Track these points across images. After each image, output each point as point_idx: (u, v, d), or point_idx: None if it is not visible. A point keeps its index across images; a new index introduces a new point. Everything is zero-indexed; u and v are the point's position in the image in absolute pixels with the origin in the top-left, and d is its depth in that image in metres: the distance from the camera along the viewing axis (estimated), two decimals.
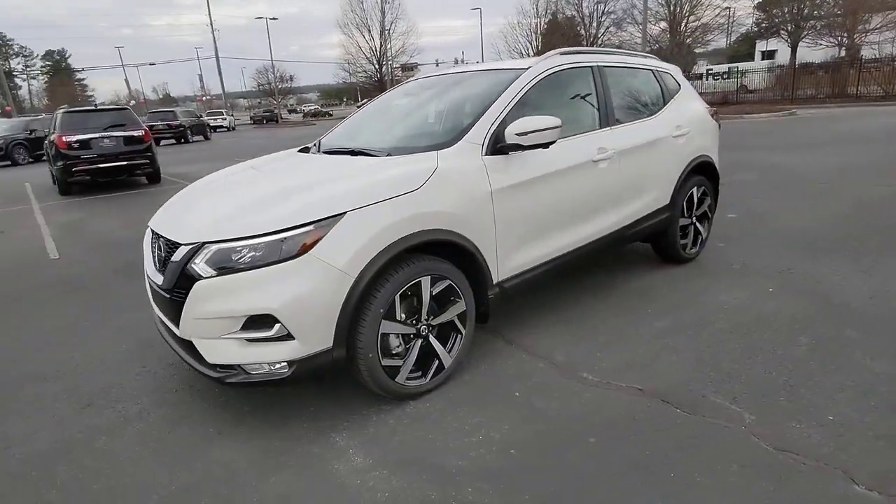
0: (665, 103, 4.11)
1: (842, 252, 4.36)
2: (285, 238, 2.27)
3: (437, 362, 2.73)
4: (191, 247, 2.37)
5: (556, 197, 3.15)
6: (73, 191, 10.75)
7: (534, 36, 43.44)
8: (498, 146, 2.87)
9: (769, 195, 6.63)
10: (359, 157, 3.02)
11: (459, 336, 2.82)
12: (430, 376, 2.71)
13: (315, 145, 3.65)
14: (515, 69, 3.26)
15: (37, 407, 2.84)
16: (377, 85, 56.38)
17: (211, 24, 48.12)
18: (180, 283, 2.38)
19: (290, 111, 68.34)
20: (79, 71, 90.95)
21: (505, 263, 2.94)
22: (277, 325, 2.26)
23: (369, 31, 52.79)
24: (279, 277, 2.25)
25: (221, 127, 38.66)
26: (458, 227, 2.66)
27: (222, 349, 2.35)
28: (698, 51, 36.57)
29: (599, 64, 3.65)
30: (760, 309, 3.44)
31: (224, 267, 2.28)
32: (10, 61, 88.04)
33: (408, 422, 2.52)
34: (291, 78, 63.09)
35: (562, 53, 3.50)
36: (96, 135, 10.39)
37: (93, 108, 11.10)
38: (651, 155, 3.80)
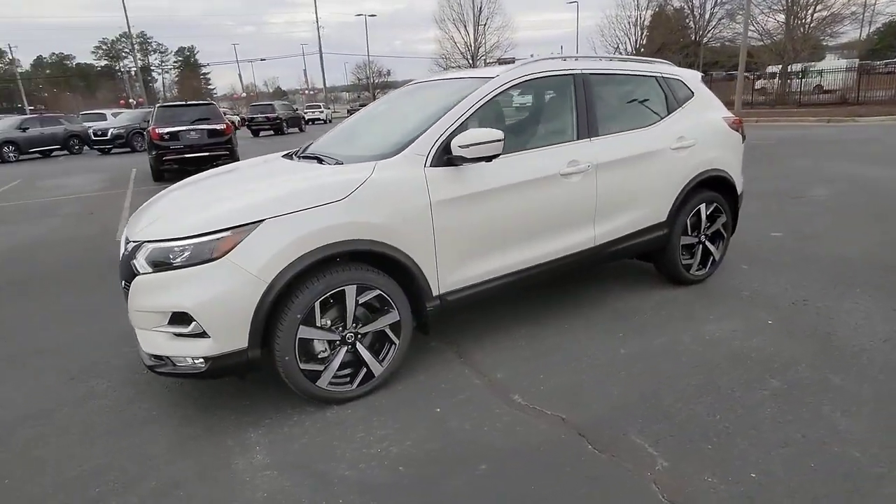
0: (669, 112, 3.82)
1: (880, 287, 3.83)
2: (205, 241, 2.41)
3: (365, 370, 2.77)
4: (134, 244, 2.59)
5: (512, 211, 3.06)
6: (164, 177, 11.86)
7: (634, 30, 41.48)
8: (446, 158, 2.84)
9: (834, 213, 5.93)
10: (314, 165, 3.12)
11: (393, 346, 2.84)
12: (356, 383, 2.76)
13: (300, 149, 3.80)
14: (481, 78, 3.20)
15: (32, 377, 3.24)
16: None
17: (317, 21, 50.95)
18: (126, 277, 2.61)
19: None
20: (204, 66, 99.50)
21: (447, 277, 2.91)
22: (193, 324, 2.41)
23: (465, 26, 53.07)
24: (197, 278, 2.40)
25: (319, 119, 40.72)
26: (388, 239, 2.67)
27: (154, 340, 2.54)
28: (829, 44, 32.89)
29: (585, 71, 3.47)
30: (744, 343, 3.13)
31: (158, 265, 2.47)
32: (149, 57, 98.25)
33: (321, 426, 2.59)
34: (388, 72, 65.06)
35: (538, 61, 3.38)
36: (184, 128, 11.40)
37: (183, 103, 12.19)
38: (642, 168, 3.56)
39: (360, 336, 2.74)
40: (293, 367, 2.57)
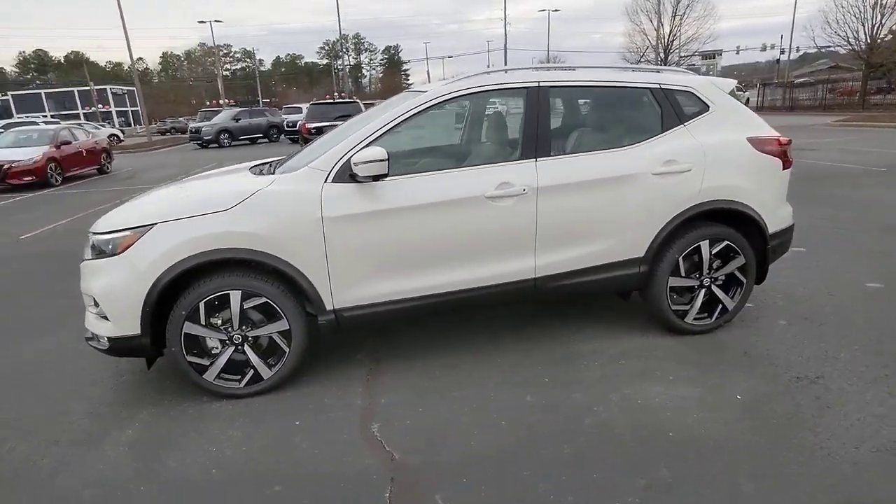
0: (664, 130, 3.23)
1: None
2: (114, 238, 2.77)
3: (252, 372, 2.92)
4: (89, 233, 3.07)
5: (426, 232, 2.92)
6: None
7: (873, 13, 34.15)
8: (349, 175, 2.84)
9: None
10: (244, 174, 3.31)
11: (284, 353, 2.93)
12: (244, 383, 2.92)
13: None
14: (416, 92, 3.09)
15: (58, 327, 4.01)
16: None
17: (504, 17, 51.72)
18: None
19: None
20: (405, 63, 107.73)
21: (343, 293, 2.90)
22: (100, 307, 2.80)
23: (660, 17, 49.48)
24: (104, 269, 2.78)
25: None
26: (271, 249, 2.76)
27: (88, 318, 3.00)
28: None
29: (544, 84, 3.12)
30: (675, 419, 2.58)
31: (97, 253, 2.91)
32: (361, 56, 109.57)
33: (196, 416, 2.80)
34: (573, 69, 63.13)
35: (479, 75, 3.14)
36: (328, 123, 12.65)
37: (331, 101, 13.53)
38: (607, 194, 3.09)
39: (249, 339, 2.89)
40: (180, 358, 2.82)
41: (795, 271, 4.46)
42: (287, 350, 2.93)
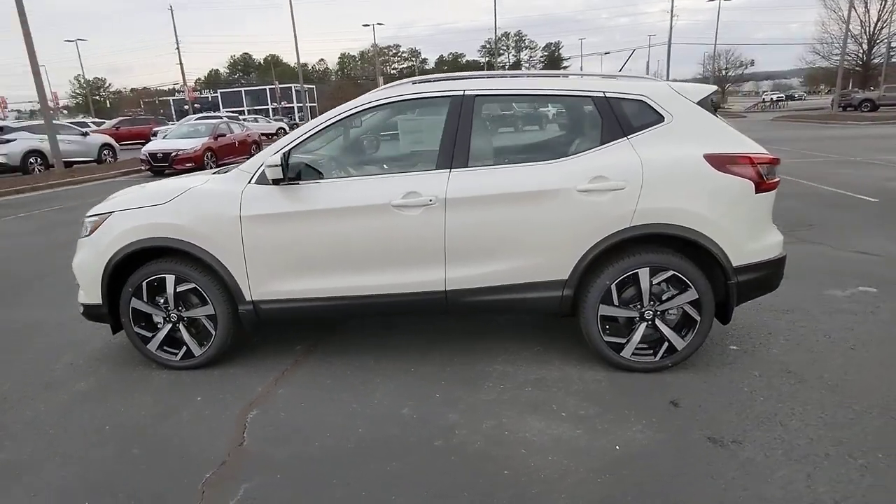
0: (602, 143, 2.92)
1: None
2: (90, 221, 3.31)
3: (185, 348, 3.29)
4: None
5: (335, 236, 3.03)
6: None
7: None
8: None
9: None
10: (207, 172, 3.67)
11: (211, 335, 3.26)
12: (179, 357, 3.31)
13: None
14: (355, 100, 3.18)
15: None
16: (861, 70, 45.35)
17: (672, 8, 48.18)
18: None
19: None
20: (565, 59, 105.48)
21: (260, 286, 3.13)
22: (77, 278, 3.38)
23: (866, 4, 42.47)
24: (81, 247, 3.33)
25: None
26: (198, 241, 3.08)
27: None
28: None
29: (473, 93, 3.01)
30: (526, 458, 2.38)
31: (84, 234, 3.49)
32: (521, 53, 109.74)
33: (124, 383, 3.24)
34: (752, 62, 56.58)
35: (414, 82, 3.12)
36: None
37: None
38: (525, 210, 2.91)
39: (184, 319, 3.26)
40: (129, 329, 3.29)
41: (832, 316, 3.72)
42: (213, 333, 3.24)
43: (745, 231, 2.90)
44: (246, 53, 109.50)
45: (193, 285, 3.17)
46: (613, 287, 2.94)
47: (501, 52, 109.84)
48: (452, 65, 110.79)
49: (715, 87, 3.11)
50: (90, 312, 3.36)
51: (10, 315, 4.45)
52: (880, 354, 3.16)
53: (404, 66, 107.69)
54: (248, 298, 3.15)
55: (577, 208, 2.87)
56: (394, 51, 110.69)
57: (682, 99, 2.96)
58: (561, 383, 2.99)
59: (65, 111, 72.47)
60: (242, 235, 3.06)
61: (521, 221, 2.92)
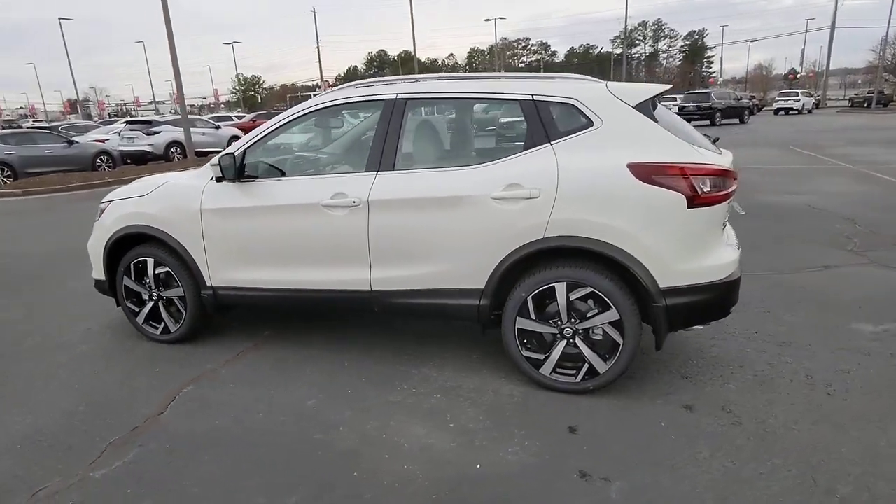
0: (526, 148, 2.78)
1: None
2: (101, 207, 3.85)
3: (163, 324, 3.71)
4: None
5: (276, 231, 3.23)
6: None
7: None
8: None
9: None
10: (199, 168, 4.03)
11: (182, 315, 3.64)
12: (159, 331, 3.73)
13: None
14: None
15: None
16: None
17: None
18: None
19: None
20: (710, 48, 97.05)
21: (218, 273, 3.43)
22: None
23: None
24: (94, 229, 3.88)
25: (791, 109, 35.10)
26: (169, 230, 3.46)
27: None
28: None
29: (404, 96, 3.02)
30: (378, 461, 2.40)
31: (98, 217, 4.04)
32: (659, 43, 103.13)
33: (101, 353, 3.73)
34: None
35: (357, 86, 3.19)
36: None
37: None
38: (442, 215, 2.87)
39: (163, 299, 3.67)
40: (122, 303, 3.78)
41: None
42: (184, 313, 3.62)
43: (674, 249, 2.61)
44: (382, 50, 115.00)
45: (167, 269, 3.56)
46: (530, 300, 2.80)
47: (637, 42, 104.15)
48: (583, 57, 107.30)
49: (663, 88, 2.81)
50: (98, 286, 3.91)
51: (80, 284, 5.26)
52: (859, 407, 2.67)
53: (533, 59, 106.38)
54: (208, 284, 3.47)
55: (491, 216, 2.78)
56: (523, 44, 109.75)
57: (618, 102, 2.72)
58: (474, 394, 2.93)
59: (223, 106, 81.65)
60: (202, 226, 3.37)
61: (439, 226, 2.89)
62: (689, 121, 18.80)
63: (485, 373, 3.13)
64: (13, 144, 13.83)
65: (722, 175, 2.60)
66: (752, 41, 70.71)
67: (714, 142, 3.24)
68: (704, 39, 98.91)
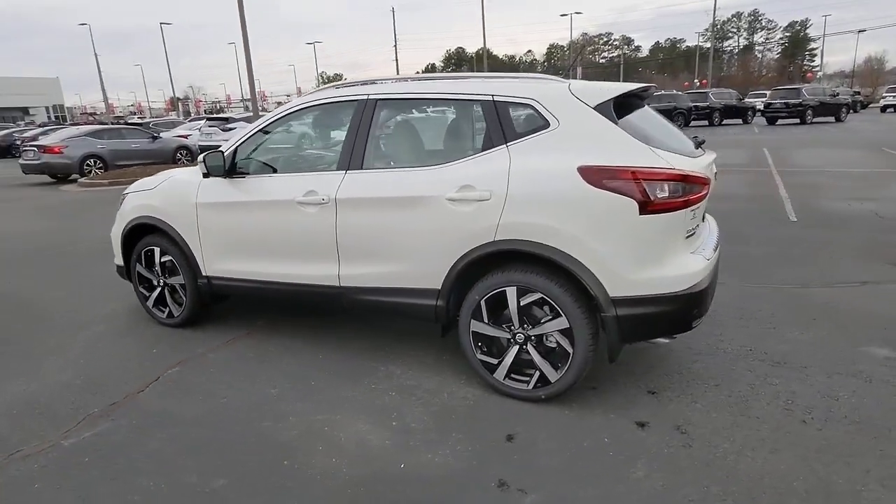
0: (483, 149, 2.74)
1: None
2: (121, 198, 4.19)
3: (168, 309, 3.98)
4: None
5: (258, 225, 3.39)
6: None
7: None
8: None
9: None
10: None
11: (183, 301, 3.89)
12: (165, 315, 4.01)
13: None
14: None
15: None
16: None
17: None
18: None
19: None
20: (813, 40, 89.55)
21: (212, 263, 3.65)
22: None
23: None
24: (116, 218, 4.23)
25: (890, 106, 32.03)
26: (169, 220, 3.72)
27: None
28: None
29: (375, 96, 3.06)
30: (313, 453, 2.46)
31: (119, 206, 4.38)
32: (754, 35, 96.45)
33: (110, 332, 4.05)
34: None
35: (336, 87, 3.27)
36: None
37: None
38: (400, 215, 2.89)
39: (169, 286, 3.94)
40: (135, 287, 4.11)
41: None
42: (185, 300, 3.87)
43: (626, 258, 2.48)
44: (460, 47, 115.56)
45: (170, 258, 3.82)
46: (483, 303, 2.77)
47: (729, 34, 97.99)
48: (669, 51, 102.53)
49: (631, 87, 2.67)
50: (119, 271, 4.26)
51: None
52: (833, 439, 2.42)
53: (614, 54, 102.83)
54: (203, 273, 3.69)
55: (446, 217, 2.77)
56: (604, 39, 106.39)
57: (577, 103, 2.62)
58: (429, 394, 2.93)
59: None
60: (197, 219, 3.59)
61: (400, 226, 2.92)
62: (775, 119, 18.16)
63: (448, 374, 3.13)
64: (105, 140, 15.19)
65: (680, 180, 2.44)
66: (861, 31, 63.83)
67: (699, 145, 3.05)
68: (807, 30, 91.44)
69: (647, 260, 2.49)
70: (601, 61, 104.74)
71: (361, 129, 3.08)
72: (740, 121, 26.94)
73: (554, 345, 2.71)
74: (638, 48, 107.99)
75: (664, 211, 2.44)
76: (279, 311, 4.16)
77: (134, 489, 2.29)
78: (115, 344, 3.78)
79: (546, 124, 2.64)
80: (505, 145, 2.70)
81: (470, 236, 2.71)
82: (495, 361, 2.83)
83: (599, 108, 2.59)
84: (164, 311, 4.02)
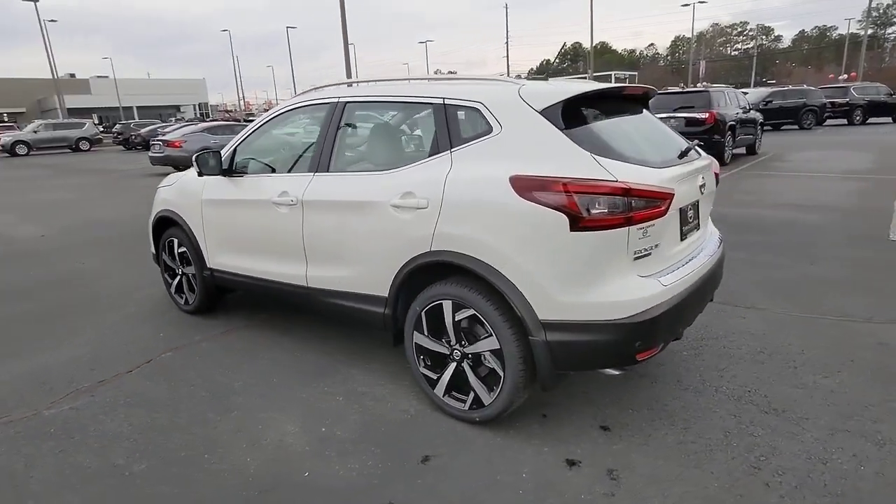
0: (430, 154, 2.61)
1: None
2: (157, 189, 4.58)
3: (185, 297, 4.28)
4: None
5: (245, 223, 3.53)
6: None
7: None
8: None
9: None
10: None
11: (194, 292, 4.16)
12: (183, 302, 4.32)
13: None
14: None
15: None
16: None
17: None
18: None
19: None
20: None
21: (214, 257, 3.86)
22: None
23: None
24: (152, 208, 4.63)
25: None
26: (182, 214, 3.99)
27: None
28: None
29: (345, 99, 3.04)
30: (234, 449, 2.51)
31: None
32: (887, 29, 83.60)
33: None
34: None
35: (316, 89, 3.29)
36: (665, 115, 11.68)
37: (678, 90, 12.20)
38: (353, 220, 2.85)
39: (185, 274, 4.24)
40: (162, 275, 4.46)
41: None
42: (196, 288, 4.14)
43: (556, 278, 2.23)
44: (577, 42, 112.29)
45: (184, 249, 4.10)
46: (424, 315, 2.65)
47: (894, 20, 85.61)
48: (816, 41, 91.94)
49: (589, 89, 2.40)
50: (153, 258, 4.65)
51: None
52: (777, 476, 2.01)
53: (749, 45, 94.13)
54: (208, 266, 3.92)
55: (390, 224, 2.69)
56: (738, 29, 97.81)
57: (523, 107, 2.40)
58: (374, 403, 2.87)
59: None
60: (202, 215, 3.82)
61: (353, 230, 2.88)
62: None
63: (405, 384, 3.04)
64: (218, 135, 16.71)
65: (620, 194, 2.15)
66: None
67: (683, 154, 2.68)
68: None
69: (580, 282, 2.23)
70: (733, 53, 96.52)
71: (329, 131, 3.08)
72: (890, 119, 23.54)
73: (491, 366, 2.52)
74: (778, 38, 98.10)
75: (600, 228, 2.17)
76: (279, 307, 4.30)
77: (70, 464, 2.48)
78: (133, 326, 4.13)
79: (489, 129, 2.46)
80: (449, 151, 2.56)
81: (410, 245, 2.61)
82: (435, 377, 2.70)
83: (546, 112, 2.36)
84: (182, 298, 4.32)
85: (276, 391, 3.05)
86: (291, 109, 3.41)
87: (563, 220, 2.17)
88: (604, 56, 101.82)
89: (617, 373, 2.41)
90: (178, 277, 4.29)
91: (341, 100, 3.09)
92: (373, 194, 2.76)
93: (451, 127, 2.58)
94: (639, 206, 2.20)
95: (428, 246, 2.53)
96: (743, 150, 13.82)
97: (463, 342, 2.56)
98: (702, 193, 2.64)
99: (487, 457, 2.40)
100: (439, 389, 2.69)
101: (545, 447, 2.44)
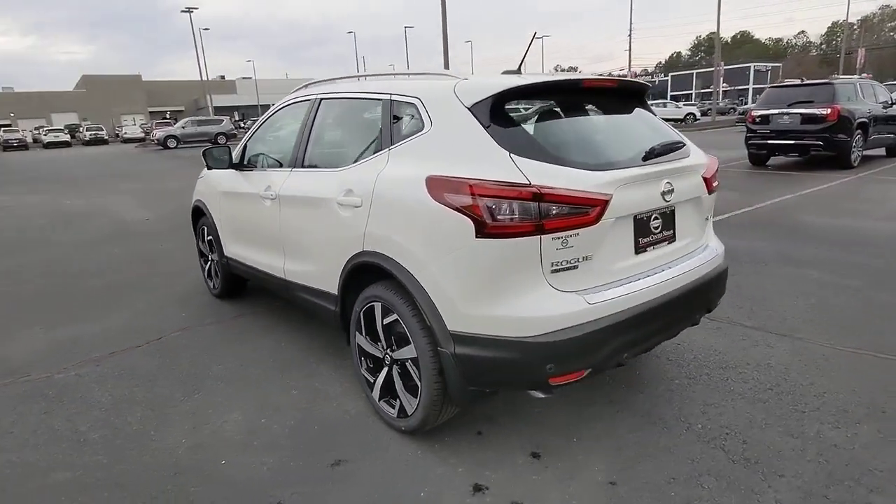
0: (375, 151, 2.53)
1: None
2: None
3: (213, 282, 4.59)
4: None
5: (245, 215, 3.70)
6: (764, 163, 11.38)
7: None
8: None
9: None
10: None
11: (215, 278, 4.45)
12: (212, 286, 4.64)
13: None
14: None
15: None
16: None
17: None
18: None
19: None
20: None
21: (228, 246, 4.10)
22: None
23: None
24: None
25: None
26: (207, 204, 4.29)
27: None
28: None
29: (323, 96, 3.07)
30: (179, 446, 2.63)
31: None
32: None
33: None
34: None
35: (305, 86, 3.35)
36: (776, 111, 10.43)
37: (798, 83, 10.75)
38: (311, 215, 2.87)
39: (212, 260, 4.54)
40: (199, 260, 4.83)
41: None
42: (219, 274, 4.42)
43: (464, 286, 2.06)
44: (713, 32, 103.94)
45: (211, 237, 4.40)
46: (361, 316, 2.60)
47: None
48: None
49: (518, 83, 2.17)
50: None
51: None
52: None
53: None
54: (225, 253, 4.17)
55: (335, 221, 2.66)
56: None
57: (454, 103, 2.24)
58: (322, 400, 2.87)
59: None
60: (221, 206, 4.07)
61: (311, 226, 2.90)
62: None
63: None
64: None
65: (530, 199, 1.92)
66: None
67: (667, 148, 2.36)
68: None
69: (489, 293, 2.03)
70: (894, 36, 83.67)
71: (305, 128, 3.13)
72: None
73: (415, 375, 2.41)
74: None
75: (507, 236, 1.96)
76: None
77: (46, 425, 2.76)
78: (168, 304, 4.51)
79: (422, 127, 2.33)
80: (388, 149, 2.47)
81: (349, 243, 2.56)
82: (373, 380, 2.63)
83: (475, 107, 2.19)
84: (211, 283, 4.65)
85: (244, 379, 3.16)
86: (287, 106, 3.51)
87: (469, 224, 2.00)
88: (743, 47, 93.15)
89: (542, 395, 2.18)
90: (209, 263, 4.61)
91: (317, 97, 3.11)
92: (325, 191, 2.75)
93: (393, 124, 2.49)
94: (559, 213, 1.96)
95: (361, 246, 2.47)
96: (882, 152, 11.94)
97: (393, 347, 2.46)
98: (665, 200, 2.29)
99: (396, 470, 2.29)
100: (375, 393, 2.62)
101: (461, 467, 2.28)
